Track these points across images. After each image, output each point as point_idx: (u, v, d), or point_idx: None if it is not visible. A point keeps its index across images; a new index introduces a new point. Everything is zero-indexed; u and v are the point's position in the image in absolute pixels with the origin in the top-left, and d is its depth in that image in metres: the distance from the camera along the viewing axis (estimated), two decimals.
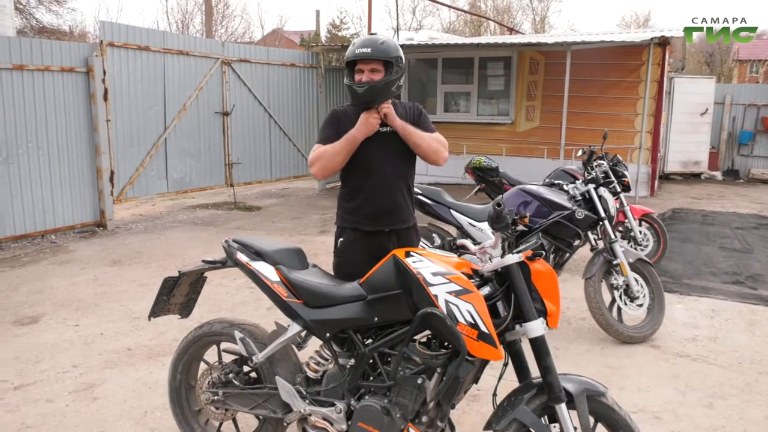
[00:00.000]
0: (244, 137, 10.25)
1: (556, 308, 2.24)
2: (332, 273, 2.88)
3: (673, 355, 4.19)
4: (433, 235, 5.03)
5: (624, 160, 5.50)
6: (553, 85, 10.83)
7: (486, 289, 2.22)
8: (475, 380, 2.36)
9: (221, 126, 9.81)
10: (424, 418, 2.28)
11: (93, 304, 5.07)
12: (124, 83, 8.16)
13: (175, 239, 7.44)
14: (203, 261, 2.84)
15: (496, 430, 2.19)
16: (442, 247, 4.82)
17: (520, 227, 2.29)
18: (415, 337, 2.31)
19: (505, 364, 2.29)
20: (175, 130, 9.02)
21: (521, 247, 2.26)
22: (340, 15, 42.26)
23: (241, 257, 2.67)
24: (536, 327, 2.18)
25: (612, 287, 4.40)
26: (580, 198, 4.47)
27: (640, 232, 6.00)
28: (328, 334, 2.46)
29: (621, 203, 5.19)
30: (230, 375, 2.74)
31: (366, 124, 2.75)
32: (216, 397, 2.75)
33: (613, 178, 4.84)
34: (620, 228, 5.60)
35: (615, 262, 4.36)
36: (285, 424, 2.64)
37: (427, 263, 2.24)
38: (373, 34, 2.86)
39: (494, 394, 2.31)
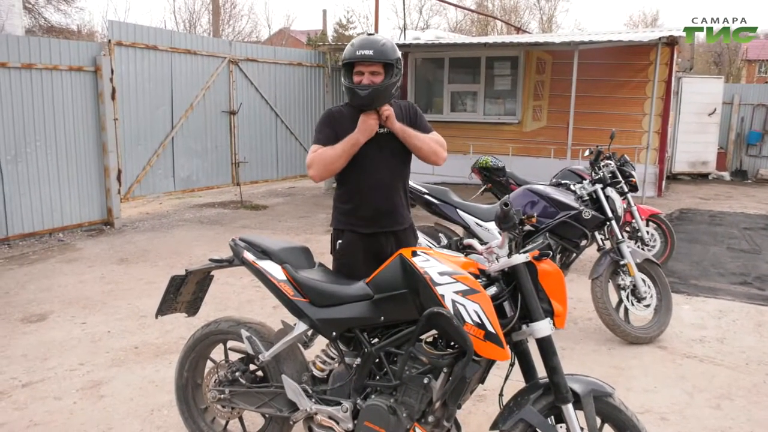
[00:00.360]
0: (250, 136, 10.27)
1: (563, 308, 2.23)
2: None
3: (680, 356, 4.17)
4: (440, 234, 5.03)
5: (631, 160, 5.47)
6: (560, 85, 10.80)
7: (493, 289, 2.22)
8: (482, 380, 2.36)
9: (228, 125, 9.83)
10: (431, 418, 2.28)
11: (100, 302, 5.09)
12: (131, 82, 8.19)
13: (182, 238, 7.46)
14: (210, 259, 2.84)
15: (503, 430, 2.18)
16: (448, 246, 4.82)
17: (527, 227, 2.29)
18: (422, 337, 2.31)
19: (512, 364, 2.29)
20: (182, 129, 9.05)
21: (528, 247, 2.25)
22: (347, 14, 42.36)
23: (248, 256, 2.67)
24: (543, 327, 2.17)
25: (619, 288, 4.38)
26: (587, 198, 4.46)
27: (648, 232, 5.97)
28: (334, 333, 2.47)
29: (628, 203, 5.17)
30: (237, 373, 2.75)
31: (366, 127, 2.72)
32: (222, 396, 2.76)
33: (621, 178, 4.83)
34: (627, 228, 5.58)
35: (622, 263, 4.34)
36: (291, 422, 2.64)
37: (434, 263, 2.24)
38: (371, 34, 2.79)
39: (500, 394, 2.31)
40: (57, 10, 20.50)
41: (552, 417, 2.21)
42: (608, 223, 4.41)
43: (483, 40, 13.02)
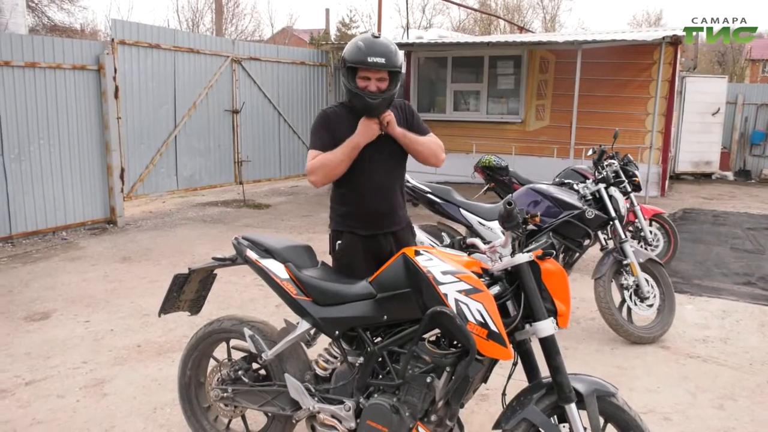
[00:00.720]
0: (253, 135, 10.27)
1: (566, 308, 2.23)
2: None
3: (683, 356, 4.16)
4: (443, 233, 5.02)
5: (634, 159, 5.46)
6: (563, 84, 10.78)
7: (496, 288, 2.22)
8: (485, 379, 2.35)
9: (231, 124, 9.84)
10: (433, 417, 2.28)
11: (103, 301, 5.10)
12: (134, 81, 8.20)
13: (185, 236, 7.47)
14: (213, 258, 2.85)
15: (506, 430, 2.18)
16: (451, 246, 4.80)
17: (531, 226, 2.28)
18: (425, 336, 2.31)
19: (515, 364, 2.28)
20: (185, 128, 9.06)
21: (531, 247, 2.25)
22: (350, 13, 42.33)
23: (251, 254, 2.67)
24: (546, 326, 2.17)
25: (622, 287, 4.38)
26: (590, 197, 4.45)
27: (651, 232, 5.96)
28: (337, 332, 2.47)
29: (631, 203, 5.16)
30: (239, 372, 2.75)
31: (368, 131, 2.68)
32: (225, 394, 2.76)
33: (624, 178, 4.81)
34: (630, 228, 5.57)
35: (625, 262, 4.33)
36: (294, 421, 2.64)
37: (437, 262, 2.23)
38: (376, 36, 2.68)
39: (503, 394, 2.31)
40: (60, 9, 20.56)
41: (555, 416, 2.20)
42: (611, 222, 4.40)
43: (486, 39, 13.01)
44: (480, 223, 4.67)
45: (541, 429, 2.16)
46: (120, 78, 7.85)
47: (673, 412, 3.40)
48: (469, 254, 2.39)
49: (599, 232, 4.59)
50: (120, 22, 8.40)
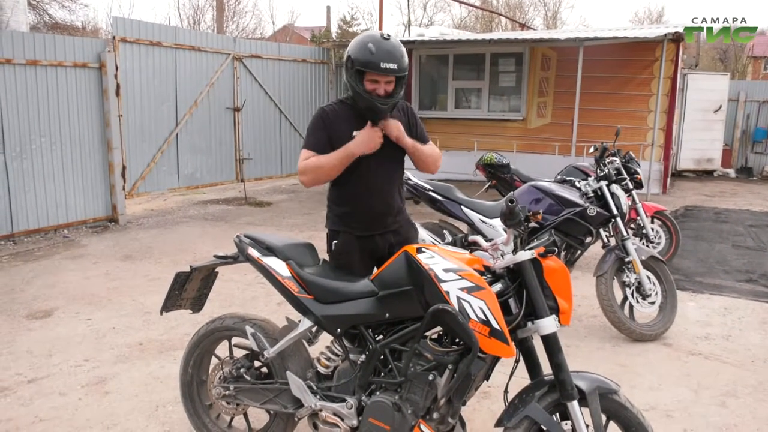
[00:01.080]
0: (254, 133, 10.27)
1: (568, 305, 2.23)
2: None
3: (685, 353, 4.16)
4: (444, 231, 5.02)
5: (636, 157, 5.45)
6: (565, 82, 10.77)
7: (498, 286, 2.21)
8: (486, 377, 2.35)
9: (232, 122, 9.84)
10: (435, 415, 2.28)
11: (105, 299, 5.11)
12: (136, 79, 8.20)
13: (187, 234, 7.47)
14: (215, 256, 2.84)
15: (508, 427, 2.18)
16: (453, 243, 4.79)
17: (533, 224, 2.28)
18: (427, 334, 2.31)
19: (517, 361, 2.28)
20: (187, 126, 9.06)
21: (533, 244, 2.25)
22: (351, 11, 42.30)
23: (253, 252, 2.67)
24: (548, 324, 2.16)
25: (624, 285, 4.37)
26: (592, 195, 4.45)
27: (653, 229, 5.96)
28: (339, 330, 2.46)
29: (633, 200, 5.16)
30: (241, 370, 2.75)
31: (370, 143, 2.63)
32: (227, 392, 2.76)
33: (626, 175, 4.80)
34: (632, 225, 5.56)
35: (627, 260, 4.33)
36: (296, 419, 2.64)
37: (439, 259, 2.23)
38: (386, 38, 2.58)
39: (506, 391, 2.31)
40: (61, 6, 20.54)
41: (557, 414, 2.20)
42: (613, 220, 4.40)
43: (487, 36, 12.98)
44: (482, 220, 4.67)
45: (543, 426, 2.16)
46: (121, 76, 7.86)
47: (675, 409, 3.40)
48: (471, 252, 2.38)
49: (601, 230, 4.58)
50: (121, 19, 8.39)
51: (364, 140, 2.63)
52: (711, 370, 3.92)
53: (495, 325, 2.09)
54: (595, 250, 5.08)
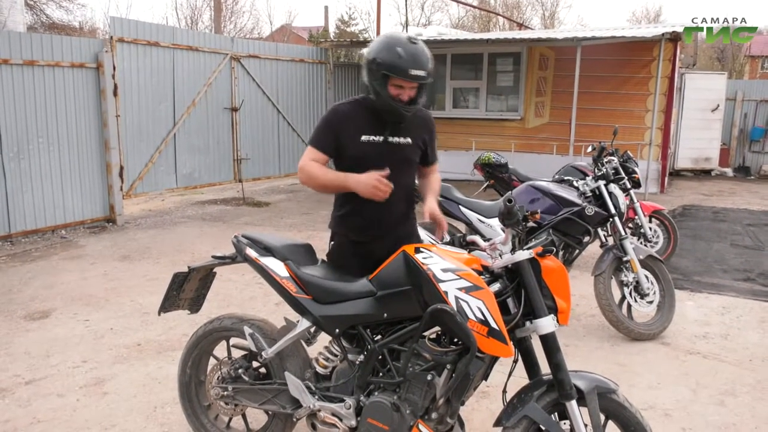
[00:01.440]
0: (252, 133, 10.26)
1: (566, 305, 2.23)
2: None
3: (683, 353, 4.16)
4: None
5: (634, 156, 5.47)
6: (562, 81, 10.78)
7: (496, 286, 2.21)
8: (485, 377, 2.35)
9: (230, 122, 9.83)
10: (434, 415, 2.28)
11: (103, 299, 5.10)
12: (133, 79, 8.19)
13: (185, 234, 7.46)
14: (213, 256, 2.84)
15: (506, 427, 2.18)
16: (451, 243, 4.80)
17: (531, 224, 2.28)
18: (425, 334, 2.31)
19: (515, 361, 2.28)
20: (184, 126, 9.05)
21: (531, 244, 2.25)
22: (349, 11, 42.27)
23: (251, 253, 2.67)
24: (546, 324, 2.16)
25: (622, 284, 4.37)
26: (590, 194, 4.45)
27: (650, 228, 5.96)
28: (337, 330, 2.46)
29: (631, 200, 5.16)
30: (239, 370, 2.74)
31: (371, 191, 2.47)
32: (225, 393, 2.76)
33: (623, 175, 4.81)
34: (630, 224, 5.57)
35: (625, 259, 4.33)
36: (294, 419, 2.64)
37: (437, 259, 2.23)
38: (414, 42, 2.47)
39: (504, 391, 2.31)
40: (59, 6, 20.52)
41: (556, 414, 2.20)
42: (611, 219, 4.40)
43: (485, 36, 12.99)
44: (480, 220, 4.67)
45: (541, 426, 2.16)
46: (119, 76, 7.84)
47: (674, 408, 3.40)
48: (469, 251, 2.38)
49: (599, 229, 4.58)
50: (119, 19, 8.38)
51: (368, 185, 2.48)
52: (709, 369, 3.92)
53: (493, 324, 2.09)
54: (594, 250, 5.08)
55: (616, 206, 4.41)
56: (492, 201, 4.88)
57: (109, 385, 3.60)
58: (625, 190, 4.77)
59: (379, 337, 2.42)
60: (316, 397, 2.52)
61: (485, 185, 6.52)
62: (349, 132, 2.59)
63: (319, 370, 2.61)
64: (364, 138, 2.60)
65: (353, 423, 2.42)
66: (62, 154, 7.32)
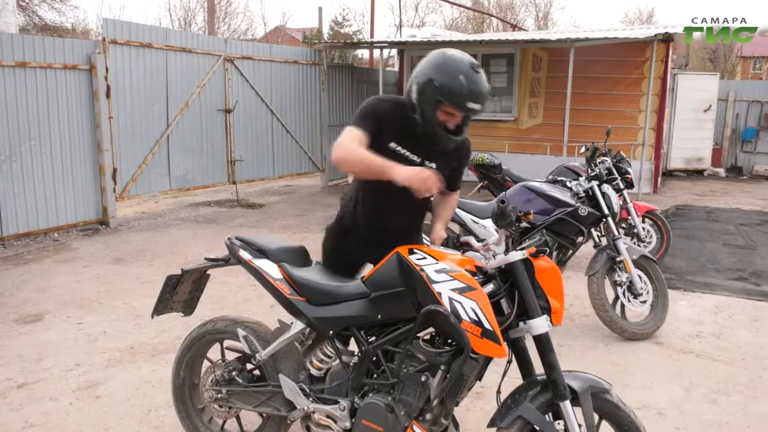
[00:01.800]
0: (246, 134, 10.24)
1: (560, 305, 2.23)
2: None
3: (677, 352, 4.18)
4: None
5: (627, 156, 5.48)
6: (556, 82, 10.81)
7: (490, 287, 2.21)
8: (479, 377, 2.36)
9: (224, 123, 9.80)
10: (428, 416, 2.28)
11: (96, 302, 5.08)
12: (126, 80, 8.15)
13: (178, 237, 7.44)
14: (206, 259, 2.83)
15: (500, 428, 2.18)
16: (445, 244, 4.80)
17: (524, 224, 2.28)
18: (419, 335, 2.31)
19: (509, 362, 2.29)
20: (178, 128, 9.02)
21: (525, 244, 2.25)
22: (343, 12, 42.32)
23: (244, 255, 2.66)
24: (540, 324, 2.17)
25: (615, 284, 4.39)
26: (583, 195, 4.47)
27: (644, 228, 5.99)
28: (331, 332, 2.46)
29: (624, 200, 5.18)
30: (233, 373, 2.74)
31: (419, 182, 2.22)
32: (219, 395, 2.75)
33: (617, 175, 4.83)
34: (623, 225, 5.59)
35: (618, 259, 4.35)
36: (288, 421, 2.63)
37: (431, 260, 2.23)
38: (477, 71, 2.31)
39: (498, 392, 2.31)
40: (51, 8, 20.43)
41: (550, 414, 2.21)
42: (604, 219, 4.42)
43: (479, 37, 13.02)
44: (473, 221, 4.67)
45: (536, 426, 2.16)
46: (112, 77, 7.81)
47: (668, 407, 3.42)
48: (462, 252, 2.38)
49: (592, 229, 4.60)
50: (111, 21, 8.34)
51: (417, 176, 2.23)
52: (702, 368, 3.94)
53: (487, 325, 2.09)
54: (587, 250, 5.09)
55: (609, 206, 4.42)
56: (486, 202, 4.88)
57: (103, 389, 3.59)
58: (618, 190, 4.78)
59: (373, 338, 2.42)
60: (311, 399, 2.52)
61: (479, 186, 6.54)
62: (384, 129, 2.44)
63: (313, 372, 2.60)
64: (392, 145, 2.46)
65: (347, 425, 2.42)
66: (54, 156, 7.29)
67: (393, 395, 2.30)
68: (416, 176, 2.22)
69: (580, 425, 2.14)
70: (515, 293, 2.20)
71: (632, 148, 10.22)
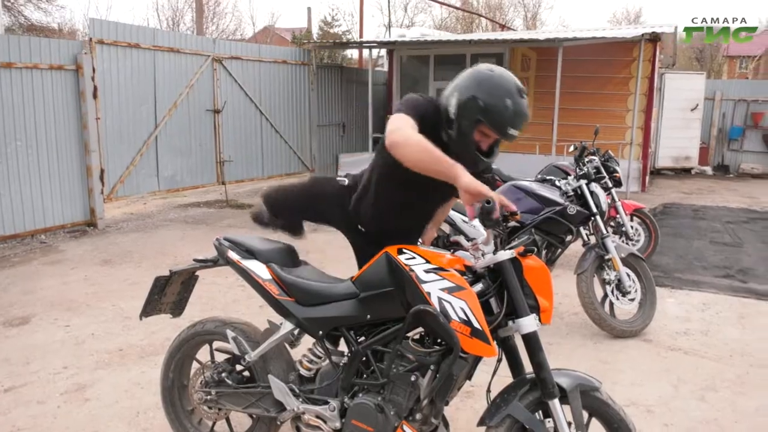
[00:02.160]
0: (235, 135, 10.20)
1: (548, 304, 2.23)
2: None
3: (665, 349, 4.21)
4: None
5: (615, 155, 5.52)
6: (545, 82, 10.86)
7: (479, 286, 2.21)
8: (469, 377, 2.36)
9: (212, 123, 9.76)
10: (418, 416, 2.28)
11: (84, 304, 5.03)
12: (113, 81, 8.10)
13: (167, 238, 7.40)
14: (194, 260, 2.82)
15: (490, 426, 2.18)
16: (435, 243, 4.81)
17: (512, 223, 2.29)
18: (408, 335, 2.31)
19: (499, 360, 2.29)
20: (166, 128, 8.97)
21: (513, 244, 2.26)
22: (332, 12, 42.23)
23: (233, 255, 2.65)
24: (528, 323, 2.17)
25: (604, 282, 4.41)
26: (572, 194, 4.49)
27: (632, 227, 6.02)
28: (320, 332, 2.45)
29: (612, 199, 5.21)
30: (223, 374, 2.72)
31: (475, 187, 2.04)
32: (209, 397, 2.73)
33: (605, 174, 4.86)
34: (612, 223, 5.62)
35: (607, 257, 4.37)
36: (278, 422, 2.63)
37: (420, 260, 2.23)
38: (522, 96, 2.25)
39: (488, 391, 2.31)
40: (37, 8, 20.26)
41: (539, 412, 2.21)
42: (593, 218, 4.44)
43: (468, 37, 13.06)
44: (463, 220, 4.69)
45: (525, 425, 2.17)
46: (99, 78, 7.75)
47: (656, 404, 3.44)
48: (452, 252, 2.39)
49: (581, 228, 4.62)
50: (98, 21, 8.28)
51: (475, 186, 2.05)
52: (690, 365, 3.97)
53: (476, 325, 2.09)
54: (576, 249, 5.12)
55: (598, 205, 4.45)
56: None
57: (91, 391, 3.56)
58: (606, 189, 4.81)
59: (362, 338, 2.42)
60: (300, 399, 2.51)
61: None
62: (422, 129, 2.25)
63: (303, 372, 2.60)
64: None
65: (338, 425, 2.41)
66: (41, 157, 7.22)
67: (383, 395, 2.30)
68: (472, 182, 2.04)
69: (569, 423, 2.15)
70: (504, 292, 2.20)
71: (620, 147, 10.28)
